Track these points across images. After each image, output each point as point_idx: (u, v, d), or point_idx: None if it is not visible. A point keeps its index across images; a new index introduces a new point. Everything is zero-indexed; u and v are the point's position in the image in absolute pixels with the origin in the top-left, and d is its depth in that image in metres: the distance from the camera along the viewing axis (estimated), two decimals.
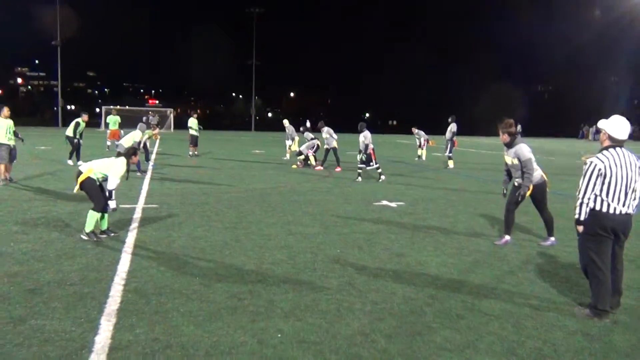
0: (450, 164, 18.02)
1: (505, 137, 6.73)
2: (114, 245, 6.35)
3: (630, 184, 4.37)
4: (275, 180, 13.30)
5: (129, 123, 24.15)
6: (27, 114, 53.41)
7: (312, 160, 16.83)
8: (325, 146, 16.48)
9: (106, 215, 6.75)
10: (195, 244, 6.54)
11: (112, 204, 6.62)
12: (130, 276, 5.18)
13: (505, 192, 7.16)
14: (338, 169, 15.89)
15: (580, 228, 4.52)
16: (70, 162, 15.49)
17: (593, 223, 4.43)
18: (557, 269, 5.90)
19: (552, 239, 7.02)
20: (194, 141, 20.23)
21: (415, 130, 22.00)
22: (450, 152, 18.01)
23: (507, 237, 7.01)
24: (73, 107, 79.58)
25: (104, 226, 6.78)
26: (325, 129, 16.47)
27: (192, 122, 20.37)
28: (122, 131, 21.13)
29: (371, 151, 13.37)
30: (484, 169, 18.24)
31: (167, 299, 4.59)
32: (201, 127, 20.70)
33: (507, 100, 58.43)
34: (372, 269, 5.70)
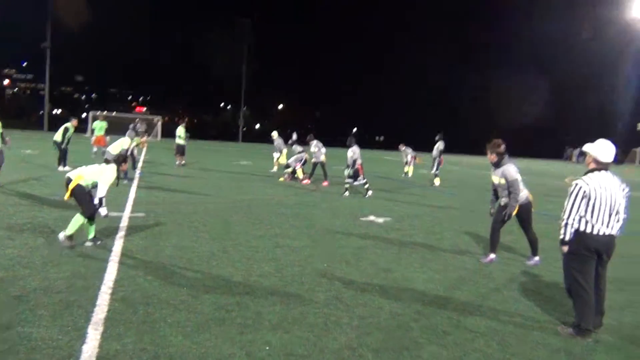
0: (437, 181, 18.18)
1: (493, 157, 6.86)
2: (100, 254, 6.31)
3: (614, 206, 4.50)
4: (263, 193, 13.31)
5: (115, 130, 23.95)
6: (12, 116, 52.70)
7: (299, 174, 16.79)
8: (313, 160, 16.43)
9: (94, 224, 6.72)
10: (183, 254, 6.53)
11: (102, 211, 6.59)
12: (117, 285, 5.16)
13: (492, 211, 7.28)
14: (325, 183, 15.87)
15: (565, 248, 4.63)
16: (60, 168, 15.35)
17: (577, 243, 4.54)
18: (541, 288, 6.00)
19: (537, 258, 7.14)
20: (181, 150, 19.98)
21: (402, 147, 22.10)
22: (437, 169, 18.16)
23: (493, 255, 7.11)
24: (59, 111, 78.73)
25: (91, 234, 6.73)
26: (314, 142, 16.41)
27: (180, 130, 20.14)
28: (107, 138, 20.93)
29: (359, 166, 13.40)
30: (470, 187, 18.43)
31: (155, 308, 4.58)
32: (189, 135, 20.54)
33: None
34: (359, 283, 5.74)
